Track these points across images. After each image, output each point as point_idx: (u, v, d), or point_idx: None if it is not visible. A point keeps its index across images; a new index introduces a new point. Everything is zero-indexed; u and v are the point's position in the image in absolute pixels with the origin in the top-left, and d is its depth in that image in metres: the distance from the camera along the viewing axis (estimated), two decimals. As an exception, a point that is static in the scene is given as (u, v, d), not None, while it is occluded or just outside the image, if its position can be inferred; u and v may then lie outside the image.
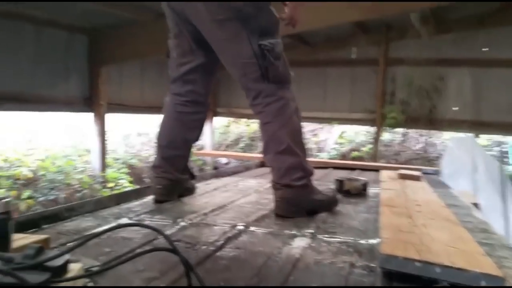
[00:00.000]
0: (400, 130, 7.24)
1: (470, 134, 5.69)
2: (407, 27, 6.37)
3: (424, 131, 7.10)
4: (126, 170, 7.52)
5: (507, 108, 6.28)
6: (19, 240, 1.06)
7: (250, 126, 9.92)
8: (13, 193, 5.57)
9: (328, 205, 1.86)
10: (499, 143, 8.37)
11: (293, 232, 1.51)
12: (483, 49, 6.35)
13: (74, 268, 0.85)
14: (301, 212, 1.75)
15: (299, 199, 1.76)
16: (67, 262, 0.83)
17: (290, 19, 1.88)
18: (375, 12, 4.38)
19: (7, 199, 0.93)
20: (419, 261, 1.04)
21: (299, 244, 1.38)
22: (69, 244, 1.28)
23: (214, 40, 1.78)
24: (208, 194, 2.29)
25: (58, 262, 0.80)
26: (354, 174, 3.39)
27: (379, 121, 7.08)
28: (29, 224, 1.45)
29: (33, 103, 5.41)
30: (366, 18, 5.57)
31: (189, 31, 1.85)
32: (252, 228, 1.56)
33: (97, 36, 5.95)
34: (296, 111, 1.80)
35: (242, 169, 3.59)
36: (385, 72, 7.06)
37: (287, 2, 1.87)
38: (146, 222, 1.58)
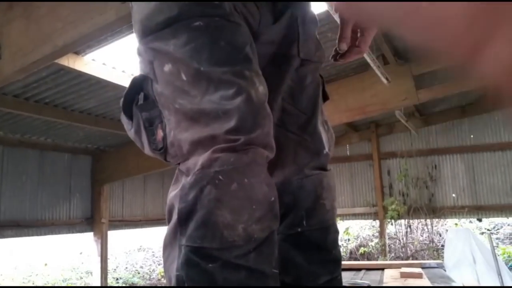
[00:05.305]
0: (404, 221, 7.20)
1: (466, 228, 5.63)
2: (394, 122, 6.67)
3: (427, 221, 7.07)
4: (127, 291, 7.26)
5: (503, 190, 6.35)
6: None
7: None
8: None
9: None
10: (502, 225, 8.35)
11: None
12: (471, 136, 6.60)
13: None
14: None
15: None
16: None
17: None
18: (359, 114, 4.65)
19: None
20: None
21: None
22: None
23: None
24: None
25: None
26: (360, 275, 3.31)
27: (382, 214, 7.07)
28: None
29: (34, 227, 5.40)
30: (352, 120, 5.85)
31: None
32: None
33: (100, 155, 6.14)
34: None
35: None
36: (380, 165, 7.22)
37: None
38: None
